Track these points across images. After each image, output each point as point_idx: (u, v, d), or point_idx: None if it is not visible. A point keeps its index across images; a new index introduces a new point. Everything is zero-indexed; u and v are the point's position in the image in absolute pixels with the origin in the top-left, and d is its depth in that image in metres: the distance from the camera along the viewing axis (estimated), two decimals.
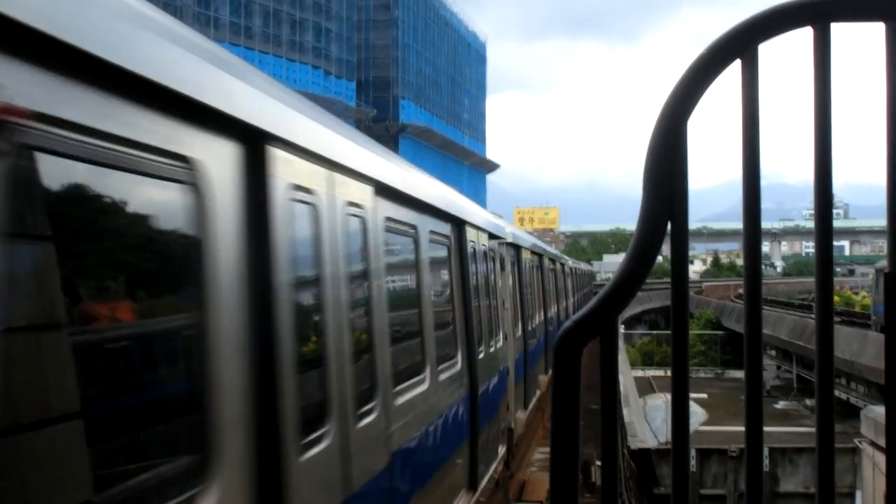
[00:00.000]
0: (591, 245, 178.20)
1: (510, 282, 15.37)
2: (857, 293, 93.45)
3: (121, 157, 3.07)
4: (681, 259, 2.20)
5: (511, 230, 16.25)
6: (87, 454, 2.85)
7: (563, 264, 26.20)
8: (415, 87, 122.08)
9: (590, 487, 13.86)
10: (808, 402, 53.37)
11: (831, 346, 2.15)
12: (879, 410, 23.98)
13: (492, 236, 12.79)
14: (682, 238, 2.18)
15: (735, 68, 2.15)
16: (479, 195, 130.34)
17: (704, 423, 37.05)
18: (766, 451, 29.78)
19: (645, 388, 48.11)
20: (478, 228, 11.33)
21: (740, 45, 2.12)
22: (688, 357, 2.22)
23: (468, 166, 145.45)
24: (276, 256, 4.25)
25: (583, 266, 39.59)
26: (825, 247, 2.16)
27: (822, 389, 2.16)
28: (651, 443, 31.05)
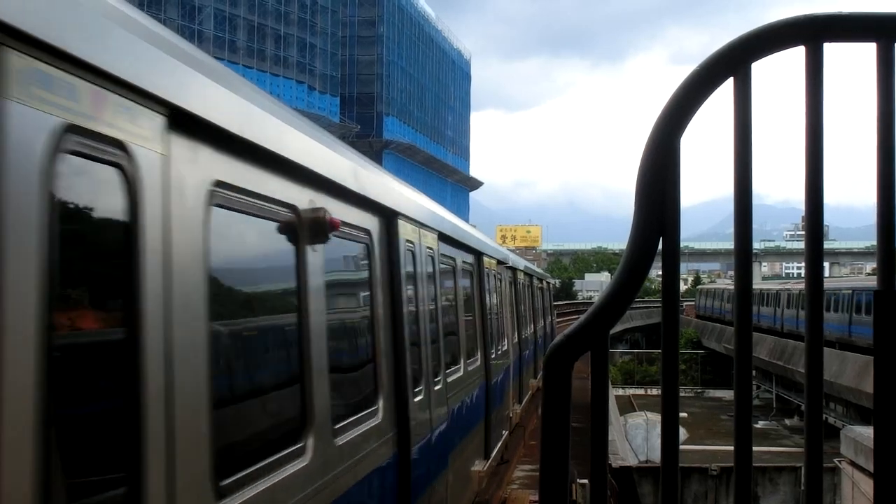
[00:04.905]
0: (574, 263, 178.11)
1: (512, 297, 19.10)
2: None
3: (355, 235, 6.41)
4: (672, 275, 2.20)
5: (512, 255, 20.50)
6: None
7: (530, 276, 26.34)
8: (399, 104, 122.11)
9: None
10: (788, 421, 53.51)
11: (821, 366, 2.16)
12: (859, 430, 24.05)
13: (499, 262, 16.75)
14: (673, 254, 2.18)
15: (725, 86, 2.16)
16: (461, 212, 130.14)
17: (685, 442, 37.06)
18: None
19: (626, 406, 48.14)
20: (490, 258, 15.25)
21: (733, 63, 2.13)
22: (678, 365, 2.22)
23: (451, 183, 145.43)
24: (401, 280, 7.42)
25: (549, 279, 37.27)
26: (815, 269, 2.17)
27: (812, 408, 2.17)
28: (632, 461, 31.04)
